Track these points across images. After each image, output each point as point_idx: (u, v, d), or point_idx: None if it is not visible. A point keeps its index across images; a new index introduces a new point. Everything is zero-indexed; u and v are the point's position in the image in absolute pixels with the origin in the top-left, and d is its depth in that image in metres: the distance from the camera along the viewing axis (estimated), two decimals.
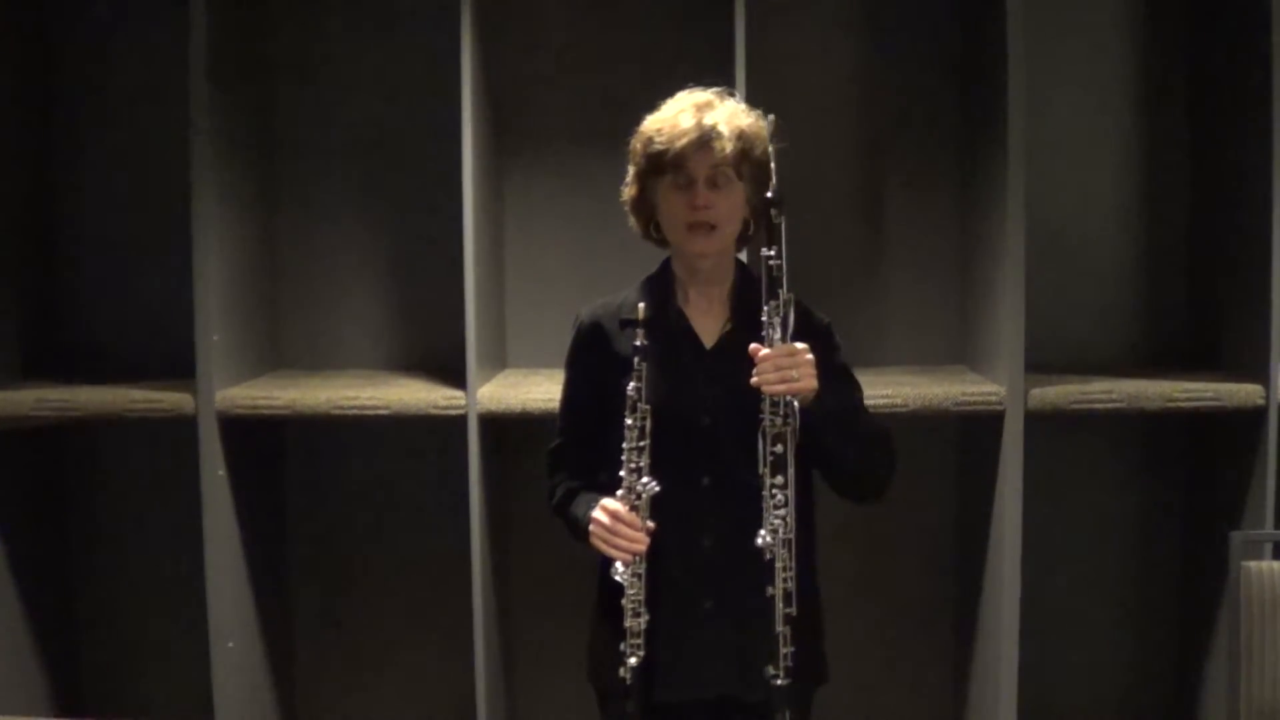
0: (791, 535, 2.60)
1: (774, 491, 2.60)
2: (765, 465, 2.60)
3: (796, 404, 2.59)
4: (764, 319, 2.59)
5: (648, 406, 2.64)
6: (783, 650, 2.62)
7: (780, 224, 2.59)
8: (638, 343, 2.64)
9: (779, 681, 2.63)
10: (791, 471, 2.60)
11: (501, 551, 4.19)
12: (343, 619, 4.49)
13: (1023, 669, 3.89)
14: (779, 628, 2.62)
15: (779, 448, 2.59)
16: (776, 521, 2.60)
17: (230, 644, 3.94)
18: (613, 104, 4.12)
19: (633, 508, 2.66)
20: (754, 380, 2.56)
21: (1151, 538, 4.42)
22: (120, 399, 3.89)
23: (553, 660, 4.34)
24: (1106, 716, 4.48)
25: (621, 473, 2.67)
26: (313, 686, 4.50)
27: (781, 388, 2.57)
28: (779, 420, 2.59)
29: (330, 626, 4.49)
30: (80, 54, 4.31)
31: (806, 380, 2.58)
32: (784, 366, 2.56)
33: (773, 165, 2.64)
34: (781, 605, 2.61)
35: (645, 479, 2.66)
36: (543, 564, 4.30)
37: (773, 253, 2.59)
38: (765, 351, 2.58)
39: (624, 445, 2.65)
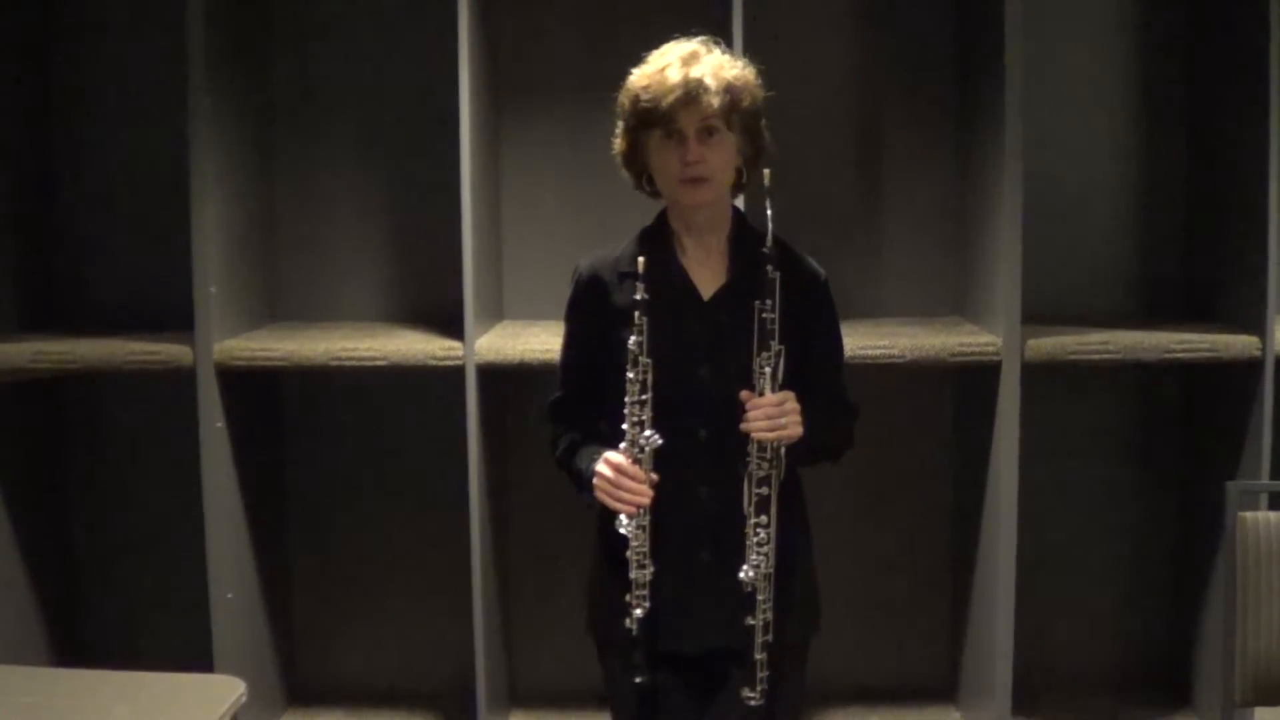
0: (771, 570, 2.67)
1: (757, 530, 2.66)
2: (750, 505, 2.66)
3: (783, 450, 2.66)
4: (755, 368, 2.64)
5: (649, 360, 2.65)
6: (759, 674, 2.68)
7: (776, 278, 2.62)
8: (637, 296, 2.65)
9: (754, 702, 2.68)
10: (774, 511, 2.66)
11: (500, 502, 4.20)
12: (341, 570, 4.50)
13: (1019, 620, 3.91)
14: (757, 654, 2.67)
15: (764, 490, 2.65)
16: (758, 558, 2.66)
17: (229, 595, 3.96)
18: (610, 55, 4.05)
19: (635, 460, 2.66)
20: (744, 427, 2.63)
21: (1148, 488, 4.44)
22: (119, 351, 3.89)
23: (551, 610, 4.36)
24: (1103, 667, 4.51)
25: (624, 426, 2.67)
26: (311, 637, 4.53)
27: (770, 436, 2.63)
28: (765, 464, 2.65)
29: (329, 578, 4.51)
30: (80, 7, 4.28)
31: (793, 428, 2.65)
32: (773, 416, 2.63)
33: (768, 212, 2.64)
34: (760, 634, 2.67)
35: (648, 432, 2.66)
36: (541, 515, 4.32)
37: (767, 305, 2.62)
38: (756, 400, 2.63)
39: (625, 399, 2.66)
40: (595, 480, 2.70)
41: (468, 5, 3.75)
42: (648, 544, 2.68)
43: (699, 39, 2.73)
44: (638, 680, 2.73)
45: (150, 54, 4.23)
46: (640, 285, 2.65)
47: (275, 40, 4.31)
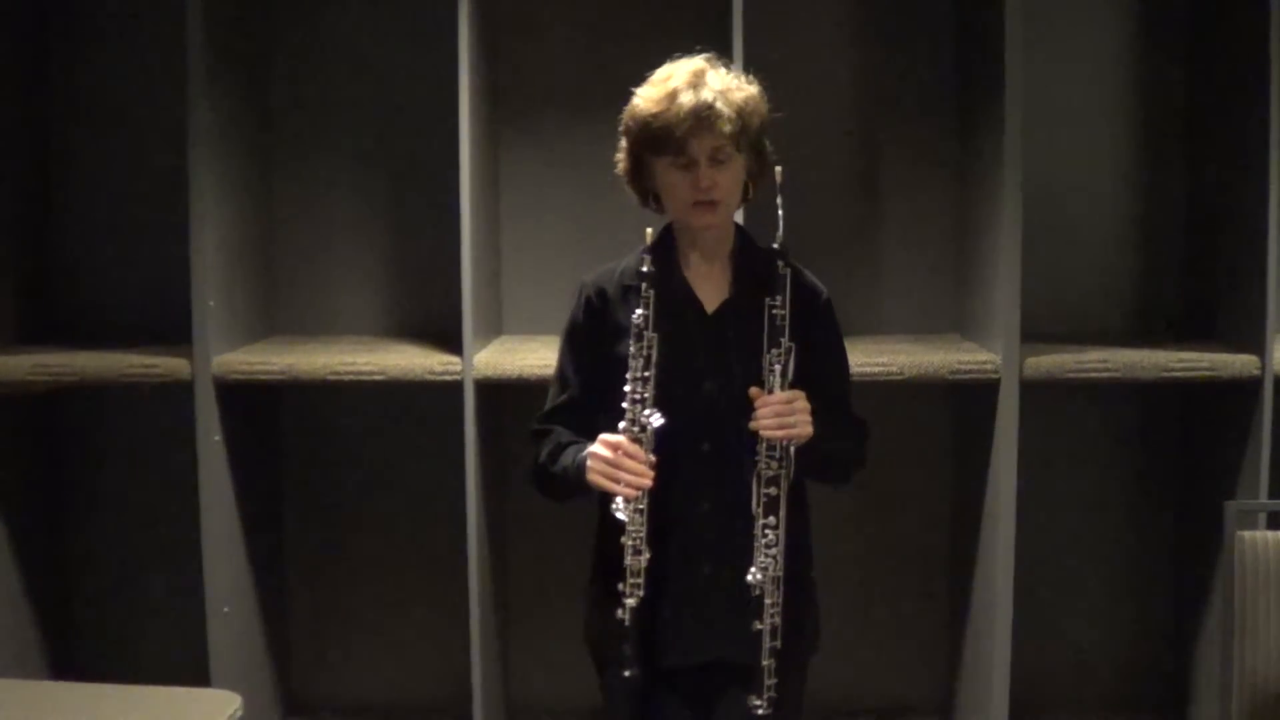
0: (780, 573, 2.63)
1: (765, 531, 2.62)
2: (759, 505, 2.62)
3: (792, 450, 2.63)
4: (765, 365, 2.62)
5: (654, 335, 2.61)
6: (767, 682, 2.64)
7: (786, 274, 2.62)
8: (645, 269, 2.62)
9: (761, 711, 2.65)
10: (783, 513, 2.62)
11: (497, 517, 4.20)
12: (338, 584, 4.50)
13: (1017, 638, 3.90)
14: (765, 660, 2.64)
15: (773, 490, 2.62)
16: (767, 560, 2.62)
17: (226, 609, 3.95)
18: (609, 71, 4.10)
19: (635, 440, 2.60)
20: (753, 425, 2.60)
21: (1146, 507, 4.43)
22: (117, 364, 3.89)
23: (548, 624, 4.34)
24: (1101, 686, 4.50)
25: (624, 404, 2.61)
26: (308, 652, 4.52)
27: (780, 434, 2.60)
28: (774, 464, 2.62)
29: (326, 592, 4.50)
30: (79, 19, 4.29)
31: (803, 427, 2.62)
32: (783, 414, 2.60)
33: (780, 214, 2.63)
34: (768, 640, 2.63)
35: (648, 410, 2.61)
36: (538, 529, 4.31)
37: (777, 301, 2.61)
38: (765, 398, 2.61)
39: (628, 375, 2.61)
40: (591, 462, 2.62)
41: (467, 20, 3.76)
42: (645, 529, 2.61)
43: (703, 56, 2.72)
44: (626, 674, 2.66)
45: (149, 68, 4.23)
46: (648, 258, 2.63)
47: (275, 54, 4.31)
